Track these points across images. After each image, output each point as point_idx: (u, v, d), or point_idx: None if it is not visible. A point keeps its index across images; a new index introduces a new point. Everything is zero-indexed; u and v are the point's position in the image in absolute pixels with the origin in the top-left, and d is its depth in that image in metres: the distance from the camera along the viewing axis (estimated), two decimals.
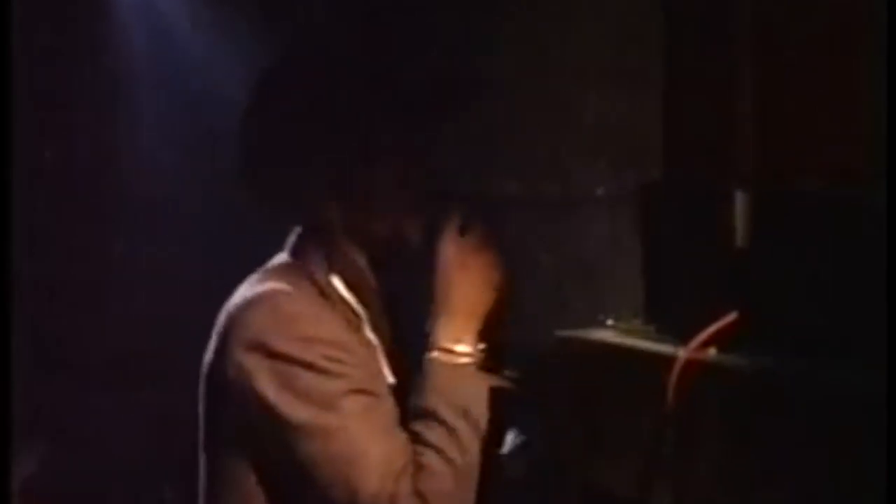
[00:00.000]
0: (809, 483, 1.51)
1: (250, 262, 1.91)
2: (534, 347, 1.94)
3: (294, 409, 1.69)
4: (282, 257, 1.88)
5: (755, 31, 2.51)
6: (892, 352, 1.42)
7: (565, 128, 3.20)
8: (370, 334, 1.85)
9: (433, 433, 1.73)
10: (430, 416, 1.74)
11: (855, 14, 2.24)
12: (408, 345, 1.90)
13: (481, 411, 1.76)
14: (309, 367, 1.70)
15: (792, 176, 2.29)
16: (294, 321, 1.74)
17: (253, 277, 1.85)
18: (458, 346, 1.78)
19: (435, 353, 1.78)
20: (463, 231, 1.81)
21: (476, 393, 1.77)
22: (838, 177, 2.07)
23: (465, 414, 1.74)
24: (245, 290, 1.81)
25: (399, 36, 1.97)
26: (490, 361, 1.83)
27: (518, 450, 1.92)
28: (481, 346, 1.80)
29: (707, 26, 2.60)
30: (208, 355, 1.82)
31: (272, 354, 1.70)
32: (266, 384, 1.70)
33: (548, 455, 1.90)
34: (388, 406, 1.77)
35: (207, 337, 1.84)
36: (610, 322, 1.89)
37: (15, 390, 2.25)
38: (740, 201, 1.73)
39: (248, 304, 1.77)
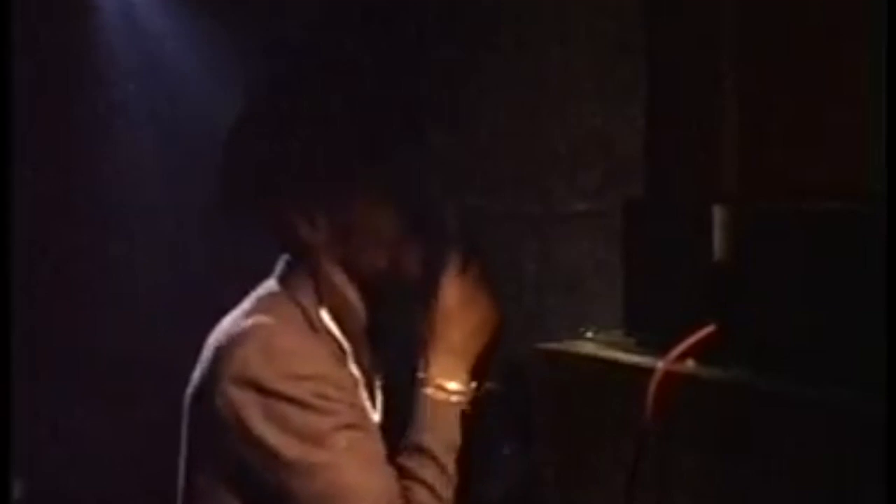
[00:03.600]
0: (787, 496, 1.53)
1: (247, 268, 1.90)
2: (516, 360, 1.95)
3: (285, 446, 1.69)
4: (270, 285, 1.86)
5: (740, 47, 2.53)
6: (890, 365, 1.43)
7: (548, 143, 3.21)
8: (354, 369, 1.84)
9: (426, 470, 1.75)
10: (423, 452, 1.75)
11: (843, 29, 2.26)
12: (393, 380, 1.91)
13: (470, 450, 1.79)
14: (299, 404, 1.70)
15: (774, 191, 2.31)
16: (284, 357, 1.73)
17: (242, 306, 1.83)
18: (452, 384, 1.79)
19: (429, 390, 1.79)
20: (464, 269, 1.81)
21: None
22: (822, 192, 2.09)
23: (455, 451, 1.77)
24: (235, 321, 1.80)
25: (385, 57, 1.94)
26: (479, 401, 1.83)
27: (500, 462, 1.93)
28: (473, 384, 1.81)
29: (691, 42, 2.62)
30: (195, 384, 1.81)
31: (263, 391, 1.70)
32: (256, 420, 1.70)
33: (529, 467, 1.91)
34: (376, 441, 1.78)
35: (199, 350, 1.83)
36: (590, 334, 1.90)
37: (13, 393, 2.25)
38: (719, 216, 1.75)
39: (238, 338, 1.76)
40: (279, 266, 1.86)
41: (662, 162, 2.61)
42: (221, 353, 1.76)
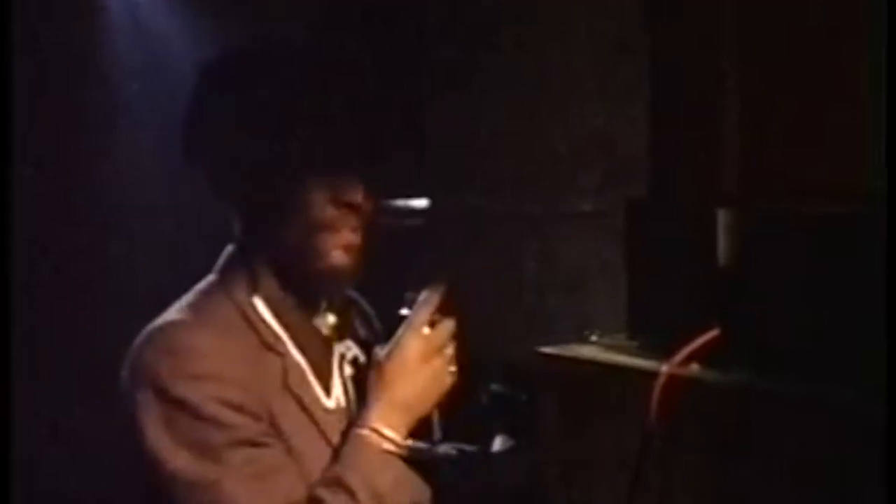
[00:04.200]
0: (789, 496, 1.53)
1: None
2: (516, 361, 1.95)
3: (172, 455, 1.63)
4: (209, 276, 1.82)
5: (741, 47, 2.53)
6: (890, 366, 1.44)
7: (551, 144, 3.21)
8: (298, 357, 1.79)
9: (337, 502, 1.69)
10: (342, 489, 1.69)
11: (843, 29, 2.26)
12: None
13: (398, 502, 1.72)
14: (194, 412, 1.64)
15: (775, 191, 2.31)
16: (189, 357, 1.67)
17: (179, 301, 1.79)
18: (390, 432, 1.73)
19: (365, 431, 1.73)
20: (432, 325, 1.76)
21: (397, 482, 1.72)
22: (822, 192, 2.10)
23: (380, 499, 1.69)
24: (161, 316, 1.75)
25: (364, 49, 1.89)
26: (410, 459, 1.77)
27: (507, 454, 1.93)
28: (409, 441, 1.75)
29: (693, 43, 2.62)
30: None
31: (161, 393, 1.64)
32: (151, 423, 1.64)
33: (528, 468, 1.91)
34: (279, 459, 1.70)
35: None
36: (594, 338, 1.90)
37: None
38: (723, 219, 1.75)
39: (147, 336, 1.71)
40: (221, 257, 1.85)
41: (664, 162, 2.61)
42: (133, 351, 1.71)
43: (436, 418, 1.77)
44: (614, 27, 2.93)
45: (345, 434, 1.75)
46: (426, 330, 1.75)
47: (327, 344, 1.83)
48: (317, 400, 1.79)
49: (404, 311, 1.78)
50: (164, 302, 1.77)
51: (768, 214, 1.74)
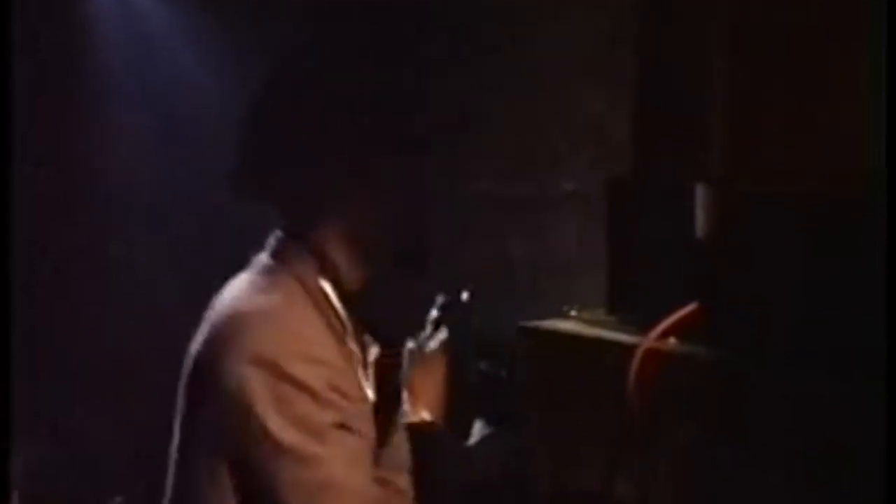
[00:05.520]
0: (769, 470, 1.54)
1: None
2: (501, 339, 1.97)
3: (286, 433, 1.70)
4: (264, 260, 1.85)
5: (729, 30, 2.53)
6: (890, 366, 1.44)
7: (538, 126, 3.22)
8: (352, 345, 1.84)
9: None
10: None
11: (835, 12, 2.25)
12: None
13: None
14: (308, 391, 1.71)
15: (760, 172, 2.31)
16: (300, 340, 1.74)
17: (242, 281, 1.83)
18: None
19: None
20: (444, 352, 1.95)
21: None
22: (807, 175, 2.10)
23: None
24: (241, 298, 1.80)
25: (386, 50, 1.94)
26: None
27: (486, 440, 1.94)
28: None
29: (679, 26, 2.62)
30: (197, 357, 1.80)
31: (278, 373, 1.70)
32: (265, 402, 1.70)
33: (515, 445, 1.92)
34: (367, 441, 1.80)
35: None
36: (574, 312, 1.91)
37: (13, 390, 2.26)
38: (702, 196, 1.75)
39: (252, 316, 1.76)
40: (272, 241, 1.86)
41: (649, 144, 2.61)
42: (233, 329, 1.75)
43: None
44: (602, 12, 2.94)
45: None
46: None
47: (360, 335, 1.88)
48: (364, 389, 1.85)
49: (434, 314, 1.95)
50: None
51: (749, 192, 1.74)
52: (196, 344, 1.81)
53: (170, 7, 4.07)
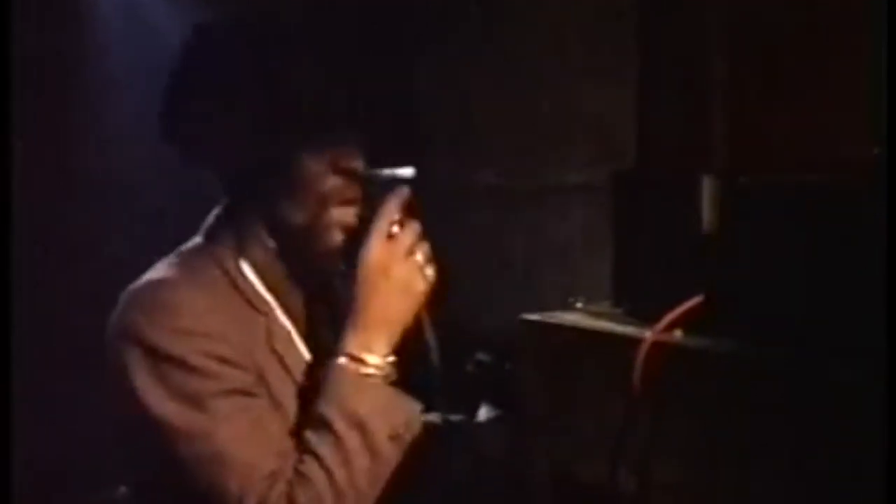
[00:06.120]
0: (773, 463, 1.52)
1: None
2: (505, 331, 1.95)
3: (163, 406, 1.65)
4: (195, 240, 1.82)
5: (730, 22, 2.53)
6: (891, 340, 1.43)
7: (541, 119, 3.22)
8: (283, 319, 1.81)
9: (321, 442, 1.67)
10: (322, 424, 1.68)
11: (831, 7, 2.26)
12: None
13: (380, 426, 1.69)
14: (181, 363, 1.65)
15: (764, 162, 2.31)
16: (172, 312, 1.68)
17: (162, 261, 1.80)
18: (367, 355, 1.70)
19: (341, 360, 1.70)
20: (390, 235, 1.72)
21: (377, 406, 1.69)
22: (809, 167, 2.09)
23: (361, 426, 1.67)
24: (147, 274, 1.76)
25: (359, 23, 1.90)
26: (401, 374, 1.73)
27: (491, 423, 1.92)
28: (391, 358, 1.72)
29: (681, 18, 2.62)
30: None
31: (145, 347, 1.66)
32: (140, 377, 1.65)
33: (519, 431, 1.90)
34: (268, 409, 1.71)
35: None
36: (579, 305, 1.90)
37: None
38: (707, 188, 1.74)
39: (132, 293, 1.72)
40: (208, 219, 1.85)
41: (654, 137, 2.61)
42: (118, 308, 1.72)
43: (427, 326, 1.73)
44: (604, 6, 2.94)
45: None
46: (395, 229, 1.72)
47: (322, 304, 1.83)
48: (302, 359, 1.79)
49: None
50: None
51: (753, 183, 1.73)
52: None
53: (171, 5, 4.06)
